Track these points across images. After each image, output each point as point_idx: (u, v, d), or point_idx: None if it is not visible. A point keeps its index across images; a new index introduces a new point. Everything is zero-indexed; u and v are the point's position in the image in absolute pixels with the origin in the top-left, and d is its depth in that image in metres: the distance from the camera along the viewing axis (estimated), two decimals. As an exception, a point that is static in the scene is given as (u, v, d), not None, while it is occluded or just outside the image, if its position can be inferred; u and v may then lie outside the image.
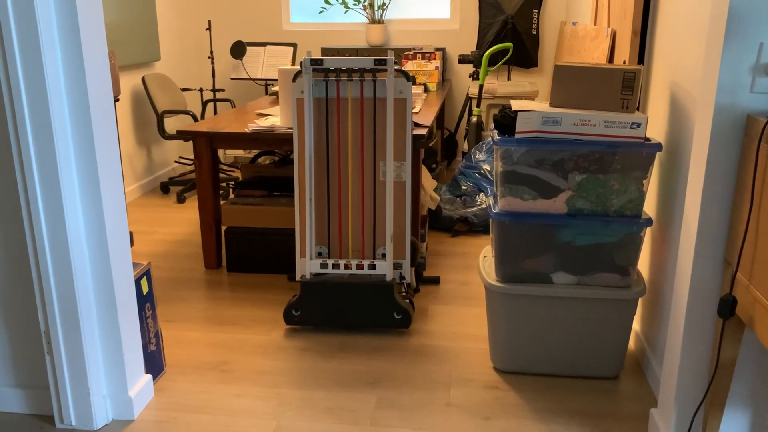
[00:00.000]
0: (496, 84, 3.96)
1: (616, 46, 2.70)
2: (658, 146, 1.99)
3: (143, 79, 4.23)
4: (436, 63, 4.33)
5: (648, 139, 2.03)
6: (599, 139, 2.02)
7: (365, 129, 2.55)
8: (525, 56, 4.77)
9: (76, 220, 1.83)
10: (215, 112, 4.72)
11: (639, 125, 2.00)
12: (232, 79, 4.83)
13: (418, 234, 2.96)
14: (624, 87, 2.06)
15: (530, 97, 4.10)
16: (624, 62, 2.52)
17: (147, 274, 2.16)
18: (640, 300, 2.39)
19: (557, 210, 2.08)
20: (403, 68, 4.38)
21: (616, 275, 2.11)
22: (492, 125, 4.13)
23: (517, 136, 2.03)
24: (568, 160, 2.03)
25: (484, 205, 3.63)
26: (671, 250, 2.08)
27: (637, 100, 2.07)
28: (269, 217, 3.04)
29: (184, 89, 4.63)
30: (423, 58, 4.36)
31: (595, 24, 3.22)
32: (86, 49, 1.73)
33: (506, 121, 2.10)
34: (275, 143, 2.93)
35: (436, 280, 2.99)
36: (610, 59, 2.76)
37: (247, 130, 2.88)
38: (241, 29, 5.13)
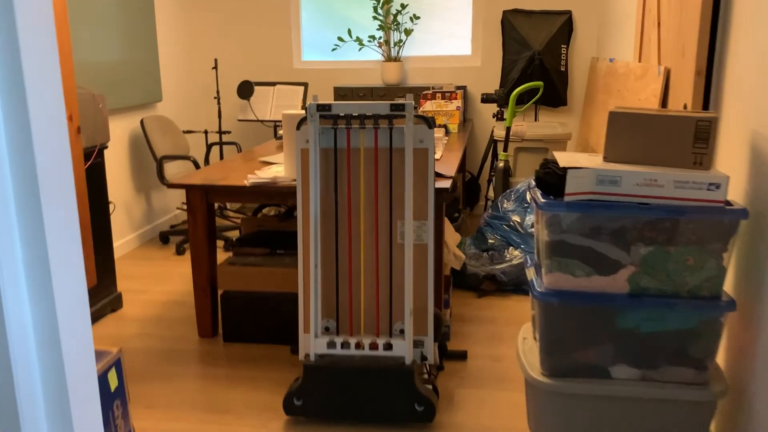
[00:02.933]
0: (524, 126, 3.61)
1: (670, 87, 2.34)
2: (743, 212, 1.60)
3: (142, 122, 3.93)
4: (458, 103, 3.99)
5: (729, 203, 1.65)
6: (669, 203, 1.63)
7: (380, 184, 2.19)
8: (553, 95, 4.42)
9: (19, 308, 1.47)
10: (221, 156, 4.42)
11: (718, 186, 1.62)
12: (239, 120, 4.53)
13: (441, 301, 2.58)
14: (697, 138, 1.68)
15: (563, 140, 3.73)
16: (684, 107, 2.14)
17: (116, 364, 1.79)
18: (719, 402, 1.97)
19: (617, 289, 1.68)
20: (421, 109, 4.05)
21: (689, 370, 1.70)
22: (528, 178, 3.75)
23: (566, 198, 1.66)
24: (630, 228, 1.64)
25: (514, 261, 3.24)
26: (760, 339, 1.67)
27: (713, 155, 1.69)
28: (270, 280, 2.67)
29: (187, 131, 4.33)
30: (443, 98, 4.03)
31: (639, 61, 2.86)
32: (33, 106, 1.39)
33: (551, 179, 1.73)
34: (278, 197, 2.58)
35: (462, 355, 2.58)
36: (663, 102, 2.39)
37: (246, 183, 2.53)
38: (250, 68, 4.85)
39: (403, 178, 2.16)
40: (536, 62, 4.33)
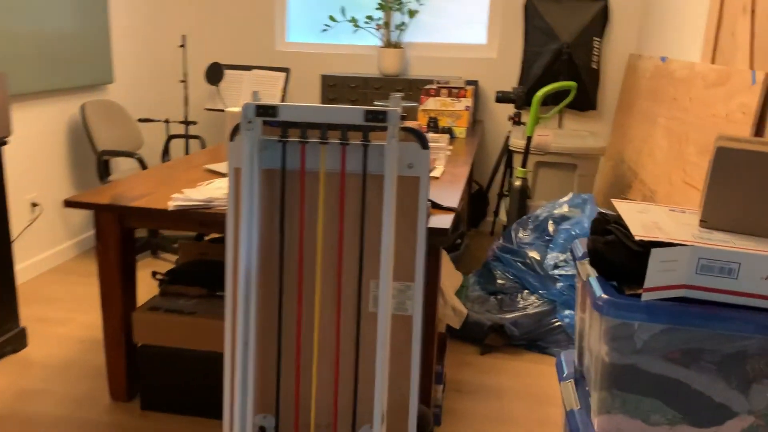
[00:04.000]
0: (550, 136, 2.90)
1: (774, 100, 1.63)
2: None
3: (82, 108, 3.23)
4: (467, 101, 3.29)
5: None
6: (826, 314, 0.94)
7: (347, 226, 1.49)
8: (582, 97, 3.70)
9: None
10: (186, 151, 3.73)
11: None
12: (206, 109, 3.83)
13: (430, 387, 1.89)
14: None
15: (595, 156, 3.02)
16: (809, 134, 1.44)
17: None
18: None
19: (723, 455, 1.00)
20: (421, 107, 3.34)
21: None
22: (551, 201, 3.04)
23: (645, 297, 0.96)
24: (753, 354, 0.95)
25: (529, 310, 2.55)
26: None
27: None
28: (203, 334, 1.98)
29: (143, 120, 3.63)
30: (449, 95, 3.32)
31: (713, 62, 2.14)
32: None
33: (617, 254, 1.03)
34: (214, 226, 1.89)
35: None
36: (760, 122, 1.68)
37: (170, 206, 1.84)
38: (225, 48, 4.14)
39: (381, 218, 1.47)
40: (564, 56, 3.61)
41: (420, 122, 3.29)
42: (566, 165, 2.99)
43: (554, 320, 2.52)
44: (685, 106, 2.28)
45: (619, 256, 1.03)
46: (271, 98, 3.69)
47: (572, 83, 2.77)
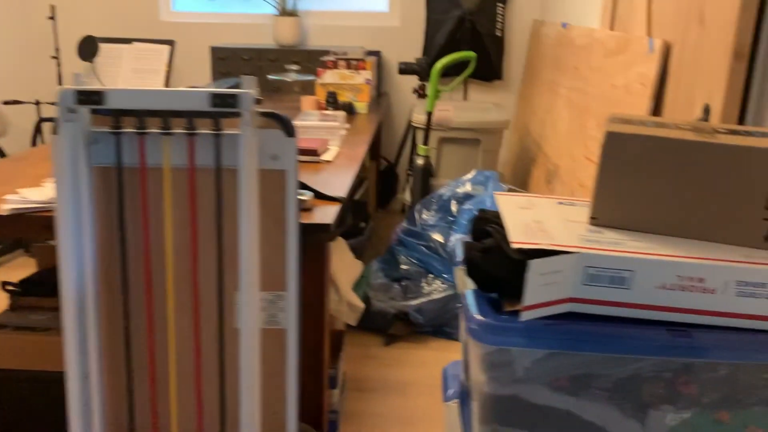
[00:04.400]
0: (451, 111, 2.75)
1: (671, 71, 1.51)
2: None
3: (-73, 91, 2.82)
4: (367, 74, 3.08)
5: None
6: (723, 322, 0.81)
7: (202, 229, 1.27)
8: (487, 66, 3.57)
9: None
10: (63, 134, 3.36)
11: (825, 295, 0.81)
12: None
13: (322, 397, 1.71)
14: (777, 192, 0.86)
15: (499, 129, 2.89)
16: (706, 110, 1.32)
17: None
18: None
19: (618, 492, 0.86)
20: (318, 80, 3.11)
21: None
22: (454, 180, 2.90)
23: (525, 315, 0.80)
24: (649, 378, 0.82)
25: (434, 296, 2.41)
26: None
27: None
28: (58, 353, 1.73)
29: (9, 102, 3.23)
30: (348, 67, 3.11)
31: (612, 29, 2.03)
32: None
33: (495, 266, 0.87)
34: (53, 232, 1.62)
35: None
36: (659, 94, 1.57)
37: (3, 209, 1.56)
38: (103, 19, 3.75)
39: (238, 221, 1.26)
40: (467, 24, 3.45)
41: (318, 98, 3.07)
42: (470, 140, 2.85)
43: (460, 305, 2.39)
44: (586, 75, 2.16)
45: (497, 266, 0.87)
46: (155, 75, 3.36)
47: (471, 53, 2.61)
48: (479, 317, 0.81)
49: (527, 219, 0.93)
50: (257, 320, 1.29)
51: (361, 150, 2.28)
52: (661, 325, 0.81)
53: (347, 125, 2.69)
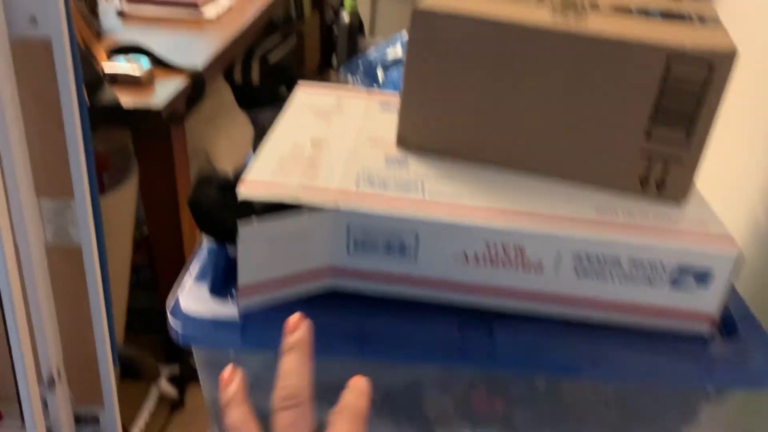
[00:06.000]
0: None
1: None
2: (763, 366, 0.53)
3: None
4: None
5: (730, 327, 0.56)
6: (553, 310, 0.54)
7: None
8: None
9: None
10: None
11: (705, 278, 0.53)
12: None
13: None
14: (662, 110, 0.55)
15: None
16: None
17: None
18: None
19: None
20: None
21: None
22: (390, 36, 2.49)
23: (241, 301, 0.53)
24: (430, 388, 0.56)
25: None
26: None
27: (697, 162, 0.57)
28: None
29: None
30: None
31: None
32: None
33: (229, 215, 0.58)
34: None
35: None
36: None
37: None
38: None
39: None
40: None
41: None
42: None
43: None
44: None
45: (232, 217, 0.58)
46: None
47: None
48: (182, 304, 0.53)
49: (305, 138, 0.62)
50: (40, 234, 1.02)
51: (260, 3, 1.88)
52: (456, 314, 0.54)
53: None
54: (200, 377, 0.58)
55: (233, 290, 0.53)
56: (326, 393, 0.56)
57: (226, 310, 0.52)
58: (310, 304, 0.53)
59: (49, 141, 0.97)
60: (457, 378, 0.55)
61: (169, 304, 0.53)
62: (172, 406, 1.49)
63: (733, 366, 0.52)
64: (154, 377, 1.41)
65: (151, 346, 1.53)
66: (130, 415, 1.38)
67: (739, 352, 0.53)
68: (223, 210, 0.59)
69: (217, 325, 0.52)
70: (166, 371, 1.51)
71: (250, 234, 0.49)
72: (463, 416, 0.57)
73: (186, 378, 1.54)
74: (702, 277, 0.52)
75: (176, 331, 0.51)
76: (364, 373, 0.55)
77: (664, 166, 0.56)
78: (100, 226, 1.04)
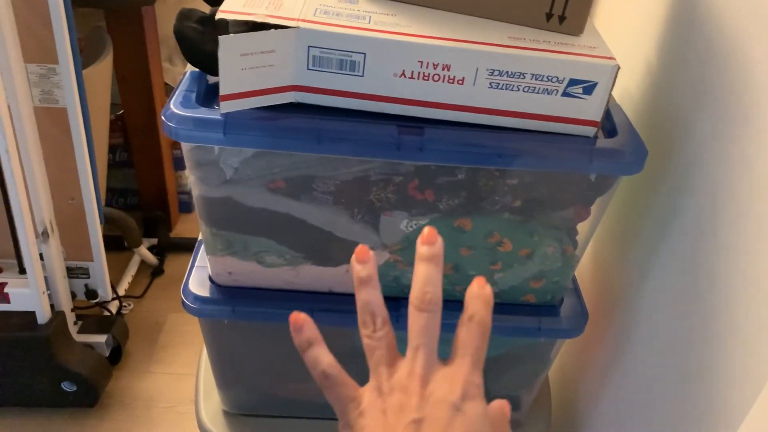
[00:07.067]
0: None
1: None
2: (637, 155, 0.68)
3: None
4: None
5: (612, 130, 0.71)
6: (467, 117, 0.68)
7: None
8: None
9: None
10: None
11: (591, 89, 0.67)
12: None
13: (165, 182, 1.59)
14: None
15: None
16: None
17: None
18: None
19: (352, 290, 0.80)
20: None
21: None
22: None
23: (223, 107, 0.65)
24: (380, 181, 0.70)
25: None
26: (619, 358, 0.88)
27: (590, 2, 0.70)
28: None
29: None
30: None
31: None
32: None
33: (209, 43, 0.70)
34: None
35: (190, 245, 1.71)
36: None
37: None
38: None
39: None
40: None
41: None
42: None
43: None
44: None
45: (200, 38, 0.69)
46: None
47: None
48: (174, 109, 0.66)
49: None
50: (28, 97, 1.12)
51: None
52: (395, 121, 0.68)
53: None
54: (190, 176, 0.71)
55: (215, 104, 0.66)
56: (292, 183, 0.70)
57: (211, 114, 0.65)
58: (279, 111, 0.66)
59: (34, 8, 1.06)
60: (395, 173, 0.69)
61: (165, 111, 0.66)
62: (153, 273, 1.63)
63: (611, 157, 0.67)
64: (136, 243, 1.54)
65: (131, 221, 1.65)
66: (115, 279, 1.52)
67: (616, 147, 0.68)
68: (202, 37, 0.70)
69: (203, 123, 0.64)
70: (146, 244, 1.64)
71: (228, 46, 0.61)
72: (401, 205, 0.72)
73: (164, 249, 1.68)
74: (588, 89, 0.66)
75: (170, 126, 0.64)
76: (323, 168, 0.69)
77: (564, 2, 0.68)
78: (83, 90, 1.14)
